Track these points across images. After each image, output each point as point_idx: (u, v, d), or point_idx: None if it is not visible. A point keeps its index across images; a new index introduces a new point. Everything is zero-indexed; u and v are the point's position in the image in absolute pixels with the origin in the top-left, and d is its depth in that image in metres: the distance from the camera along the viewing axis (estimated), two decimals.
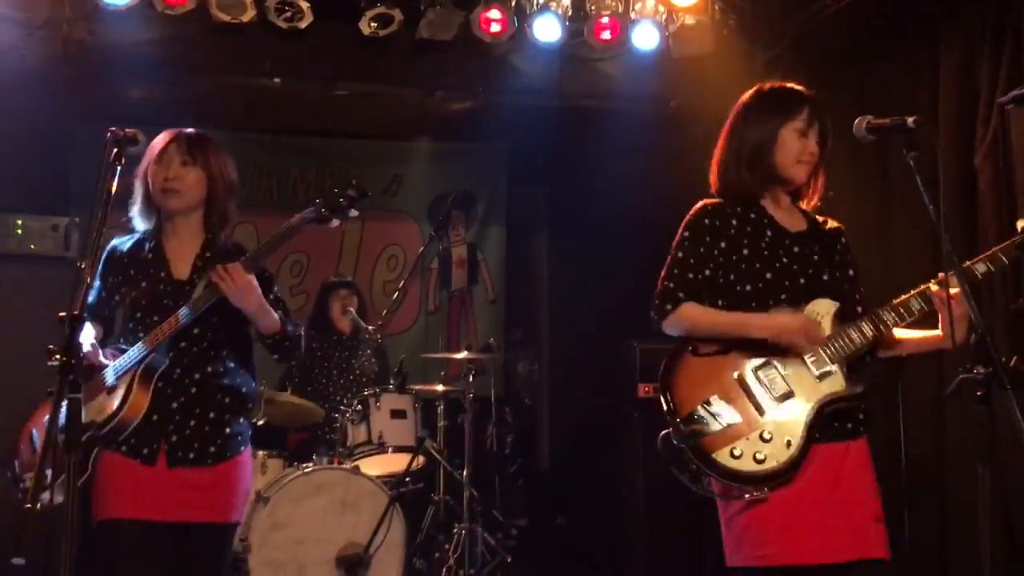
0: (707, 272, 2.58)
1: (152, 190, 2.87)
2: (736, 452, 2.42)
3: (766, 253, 2.57)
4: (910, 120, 2.36)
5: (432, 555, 5.28)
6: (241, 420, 2.94)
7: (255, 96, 5.59)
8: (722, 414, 2.45)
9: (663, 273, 2.63)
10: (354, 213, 2.80)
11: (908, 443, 3.70)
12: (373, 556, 4.44)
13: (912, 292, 2.51)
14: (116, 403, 2.74)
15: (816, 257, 2.61)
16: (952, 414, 4.04)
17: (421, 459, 5.01)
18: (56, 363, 2.14)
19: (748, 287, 2.55)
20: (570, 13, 5.05)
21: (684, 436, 2.43)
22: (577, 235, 7.17)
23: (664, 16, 5.10)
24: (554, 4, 4.98)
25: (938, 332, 2.51)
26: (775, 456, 2.41)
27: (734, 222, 2.60)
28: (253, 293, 2.76)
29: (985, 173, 3.97)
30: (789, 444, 2.41)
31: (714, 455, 2.42)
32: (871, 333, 2.49)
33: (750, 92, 2.71)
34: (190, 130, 2.96)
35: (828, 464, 2.46)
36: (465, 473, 5.14)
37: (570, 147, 6.55)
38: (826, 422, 2.46)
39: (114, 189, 2.45)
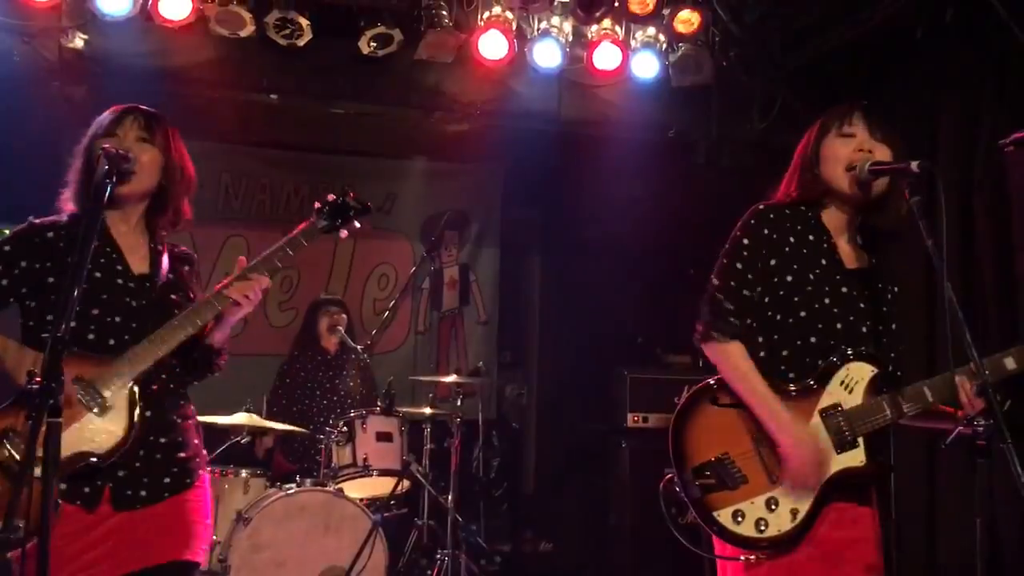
0: (758, 290, 2.41)
1: (98, 166, 2.39)
2: (739, 516, 2.32)
3: (809, 288, 2.40)
4: (914, 164, 2.26)
5: None
6: (196, 442, 2.62)
7: (251, 111, 5.55)
8: (732, 474, 2.35)
9: (717, 281, 2.44)
10: (358, 225, 2.69)
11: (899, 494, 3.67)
12: None
13: (939, 378, 2.38)
14: (122, 425, 2.36)
15: (862, 304, 2.43)
16: (941, 465, 4.02)
17: (406, 483, 4.95)
18: (35, 387, 1.98)
19: (779, 316, 2.41)
20: (570, 39, 5.04)
21: (690, 488, 2.34)
22: (570, 259, 7.14)
23: (664, 46, 5.10)
24: (555, 30, 4.96)
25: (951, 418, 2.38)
26: (778, 525, 2.31)
27: (791, 239, 2.43)
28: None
29: (983, 215, 3.96)
30: (795, 515, 2.31)
31: (715, 514, 2.33)
32: (894, 413, 2.37)
33: None
34: (146, 107, 2.63)
35: (837, 525, 2.35)
36: (450, 498, 5.08)
37: (566, 171, 6.54)
38: (837, 488, 2.35)
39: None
